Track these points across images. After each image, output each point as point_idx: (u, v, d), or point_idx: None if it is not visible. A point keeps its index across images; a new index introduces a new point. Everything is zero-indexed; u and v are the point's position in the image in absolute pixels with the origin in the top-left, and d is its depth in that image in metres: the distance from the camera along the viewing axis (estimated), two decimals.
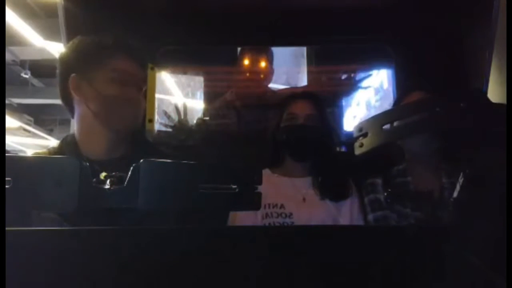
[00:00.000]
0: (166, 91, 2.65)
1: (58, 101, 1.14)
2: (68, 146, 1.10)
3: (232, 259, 0.54)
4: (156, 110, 1.77)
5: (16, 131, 8.60)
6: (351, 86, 2.19)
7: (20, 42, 5.17)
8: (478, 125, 0.60)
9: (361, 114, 2.79)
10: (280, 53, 2.44)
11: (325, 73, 2.26)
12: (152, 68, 1.48)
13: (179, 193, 0.56)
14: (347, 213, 1.41)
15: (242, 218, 1.36)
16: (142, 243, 0.54)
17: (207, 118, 2.05)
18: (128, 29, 1.45)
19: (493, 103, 0.62)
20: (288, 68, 2.77)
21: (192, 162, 0.57)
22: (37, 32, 5.02)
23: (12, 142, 8.95)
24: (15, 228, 0.50)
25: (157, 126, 1.82)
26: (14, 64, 7.11)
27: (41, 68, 7.21)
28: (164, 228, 0.59)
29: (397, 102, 1.51)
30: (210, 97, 2.18)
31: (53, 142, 7.98)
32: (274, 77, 2.18)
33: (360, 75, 2.16)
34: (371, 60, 2.05)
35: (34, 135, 9.17)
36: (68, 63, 1.10)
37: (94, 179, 0.55)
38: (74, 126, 1.13)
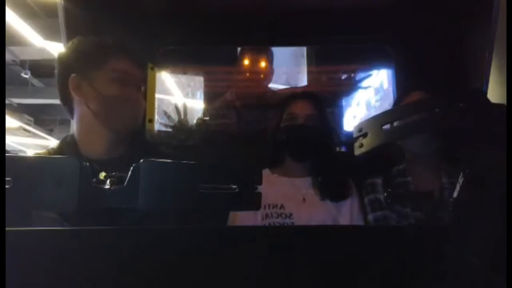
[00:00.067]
0: (166, 91, 2.65)
1: (58, 101, 1.14)
2: (68, 146, 1.10)
3: (232, 259, 0.54)
4: (156, 110, 1.77)
5: (16, 131, 8.60)
6: (351, 86, 2.19)
7: (20, 42, 5.17)
8: (478, 125, 0.60)
9: (361, 114, 2.79)
10: (280, 53, 2.44)
11: (325, 73, 2.26)
12: (152, 68, 1.48)
13: (179, 193, 0.56)
14: (347, 213, 1.41)
15: (242, 218, 1.36)
16: (142, 243, 0.54)
17: (207, 118, 2.04)
18: (128, 29, 1.45)
19: (493, 103, 0.62)
20: (288, 68, 2.77)
21: (192, 162, 0.57)
22: (37, 32, 5.02)
23: (12, 142, 8.95)
24: (15, 228, 0.50)
25: (157, 126, 1.82)
26: (14, 64, 7.10)
27: (41, 68, 7.21)
28: (164, 228, 0.59)
29: (397, 102, 1.51)
30: (210, 97, 2.18)
31: (53, 142, 7.97)
32: (274, 77, 2.18)
33: (360, 75, 2.16)
34: (371, 60, 2.05)
35: (34, 135, 9.17)
36: (68, 63, 1.10)
37: (94, 179, 0.55)
38: (74, 126, 1.13)
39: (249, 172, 0.58)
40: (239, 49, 2.10)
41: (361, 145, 0.60)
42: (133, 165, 0.55)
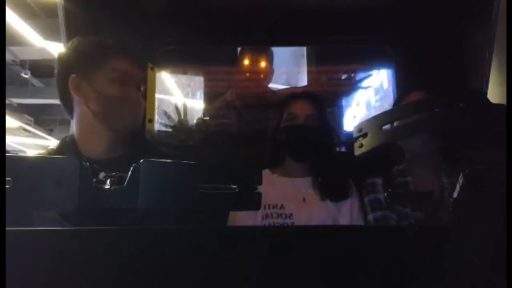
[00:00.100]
0: (166, 91, 2.65)
1: (58, 101, 1.14)
2: (68, 146, 1.10)
3: (232, 259, 0.54)
4: (156, 110, 1.77)
5: (16, 131, 8.60)
6: (351, 86, 2.19)
7: (20, 42, 5.17)
8: (478, 125, 0.60)
9: (361, 114, 2.79)
10: (280, 53, 2.44)
11: (325, 73, 2.26)
12: (152, 68, 1.48)
13: (179, 193, 0.56)
14: (347, 213, 1.41)
15: (242, 219, 1.36)
16: (142, 243, 0.54)
17: (207, 118, 2.04)
18: (128, 29, 1.45)
19: (493, 103, 0.62)
20: (288, 68, 2.77)
21: (192, 162, 0.57)
22: (37, 32, 5.01)
23: (12, 142, 8.95)
24: (15, 228, 0.50)
25: (157, 126, 1.82)
26: (14, 64, 7.10)
27: (41, 68, 7.20)
28: (164, 228, 0.59)
29: (397, 102, 1.51)
30: (210, 97, 2.18)
31: (53, 142, 7.98)
32: (274, 77, 2.18)
33: (360, 75, 2.16)
34: (371, 60, 2.05)
35: (34, 135, 9.17)
36: (68, 64, 1.10)
37: (94, 179, 0.55)
38: (73, 127, 1.13)
39: (249, 172, 0.58)
40: (239, 49, 2.10)
41: (361, 145, 0.61)
42: (133, 165, 0.55)
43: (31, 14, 5.19)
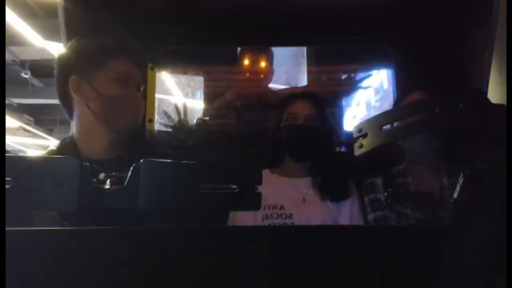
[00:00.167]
0: (166, 91, 2.65)
1: (58, 101, 1.14)
2: (68, 147, 1.10)
3: (232, 259, 0.54)
4: (156, 110, 1.77)
5: (16, 131, 8.59)
6: (351, 86, 2.19)
7: (20, 42, 5.16)
8: (478, 125, 0.60)
9: (361, 114, 2.79)
10: (280, 53, 2.44)
11: (325, 73, 2.26)
12: (152, 68, 1.48)
13: (179, 193, 0.56)
14: (347, 213, 1.41)
15: (242, 219, 1.36)
16: (142, 243, 0.54)
17: (207, 118, 2.04)
18: (128, 29, 1.45)
19: (493, 103, 0.62)
20: (288, 68, 2.77)
21: (192, 162, 0.57)
22: (37, 32, 5.01)
23: (12, 142, 8.95)
24: (15, 228, 0.50)
25: (157, 126, 1.82)
26: (14, 64, 7.09)
27: (41, 68, 7.19)
28: (164, 228, 0.59)
29: (397, 102, 1.51)
30: (210, 97, 2.18)
31: (53, 142, 7.96)
32: (274, 77, 2.18)
33: (360, 75, 2.16)
34: (371, 60, 2.05)
35: (34, 135, 9.17)
36: (68, 64, 1.10)
37: (94, 179, 0.55)
38: (73, 127, 1.13)
39: (249, 172, 0.58)
40: (239, 49, 2.10)
41: (361, 146, 0.61)
42: (133, 165, 0.55)
43: (31, 14, 5.19)
